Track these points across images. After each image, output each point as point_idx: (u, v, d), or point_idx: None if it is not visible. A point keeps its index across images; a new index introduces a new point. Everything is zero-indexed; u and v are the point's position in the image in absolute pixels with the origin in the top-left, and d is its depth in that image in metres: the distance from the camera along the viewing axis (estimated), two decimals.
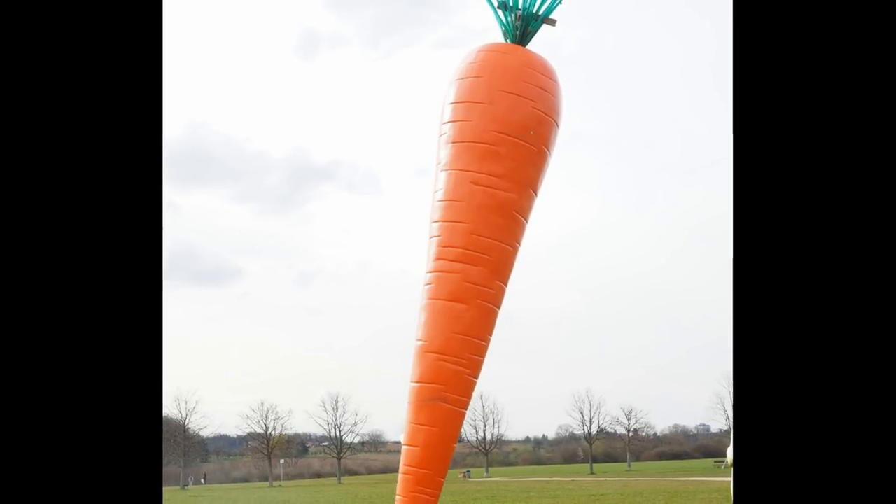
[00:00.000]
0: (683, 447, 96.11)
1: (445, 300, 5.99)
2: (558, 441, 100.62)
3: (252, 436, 74.18)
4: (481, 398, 73.53)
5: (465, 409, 6.11)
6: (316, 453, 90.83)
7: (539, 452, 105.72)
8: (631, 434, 76.98)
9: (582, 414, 74.68)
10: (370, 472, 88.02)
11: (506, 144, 6.00)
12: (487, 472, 71.57)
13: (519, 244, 6.23)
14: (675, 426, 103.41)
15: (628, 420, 75.68)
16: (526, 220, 6.23)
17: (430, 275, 6.11)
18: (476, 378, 6.12)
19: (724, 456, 21.72)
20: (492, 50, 6.28)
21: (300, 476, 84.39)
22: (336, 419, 71.92)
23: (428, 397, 5.96)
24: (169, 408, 67.84)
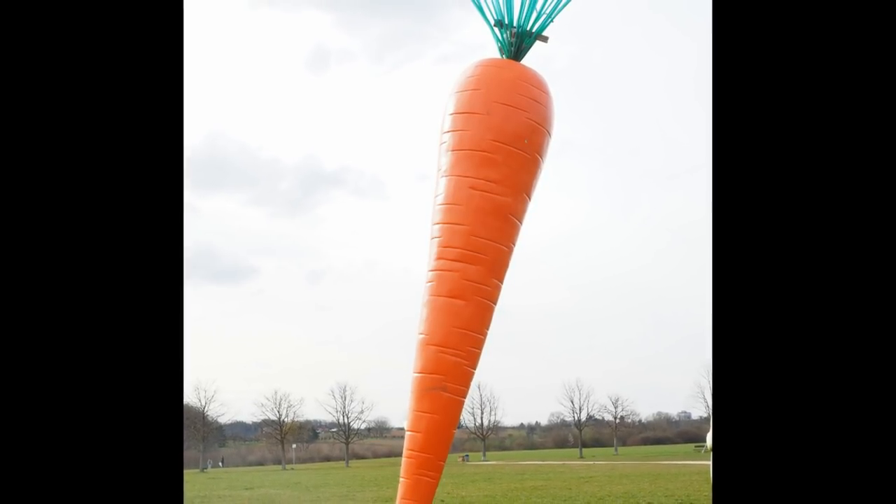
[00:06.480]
0: (666, 433, 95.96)
1: (446, 297, 5.99)
2: (550, 427, 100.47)
3: (266, 422, 74.01)
4: (479, 387, 73.45)
5: (464, 397, 6.12)
6: (325, 439, 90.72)
7: (532, 438, 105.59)
8: (618, 421, 76.86)
9: (572, 402, 74.60)
10: (376, 456, 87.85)
11: (501, 152, 6.00)
12: (484, 455, 71.43)
13: (514, 244, 6.24)
14: (659, 413, 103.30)
15: (615, 408, 75.60)
16: (520, 222, 6.23)
17: (431, 273, 6.12)
18: (474, 369, 6.12)
19: (704, 441, 21.68)
20: (489, 65, 6.29)
21: (311, 460, 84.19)
22: (344, 407, 71.87)
23: (429, 387, 5.96)
24: (189, 396, 67.64)
